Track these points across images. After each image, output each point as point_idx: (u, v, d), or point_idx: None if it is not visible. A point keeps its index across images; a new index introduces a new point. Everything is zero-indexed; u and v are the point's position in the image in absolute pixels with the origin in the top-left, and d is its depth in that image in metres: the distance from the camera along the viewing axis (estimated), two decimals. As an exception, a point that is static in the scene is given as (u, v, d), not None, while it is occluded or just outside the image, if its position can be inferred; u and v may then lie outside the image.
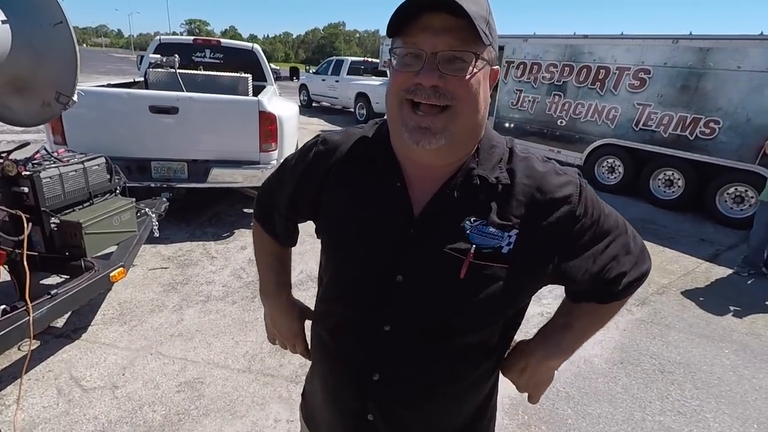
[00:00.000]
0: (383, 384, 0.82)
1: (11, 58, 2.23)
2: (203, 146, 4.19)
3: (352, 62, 13.85)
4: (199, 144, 4.18)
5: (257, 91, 5.52)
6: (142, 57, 6.46)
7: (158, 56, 5.50)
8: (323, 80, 14.28)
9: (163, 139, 4.09)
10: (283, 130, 4.45)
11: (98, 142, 3.69)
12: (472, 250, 0.73)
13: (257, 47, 6.35)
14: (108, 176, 3.06)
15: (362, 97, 12.63)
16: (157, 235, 3.53)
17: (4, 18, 2.20)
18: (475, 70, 0.70)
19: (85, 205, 2.86)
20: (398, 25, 0.70)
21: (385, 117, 0.83)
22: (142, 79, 5.60)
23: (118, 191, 3.17)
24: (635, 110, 6.89)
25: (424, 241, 0.76)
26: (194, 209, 4.89)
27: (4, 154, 2.53)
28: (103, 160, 3.01)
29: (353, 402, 0.86)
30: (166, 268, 3.63)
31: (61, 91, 2.44)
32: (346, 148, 0.86)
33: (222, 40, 6.52)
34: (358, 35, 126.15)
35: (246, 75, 5.65)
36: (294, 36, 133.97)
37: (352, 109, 13.23)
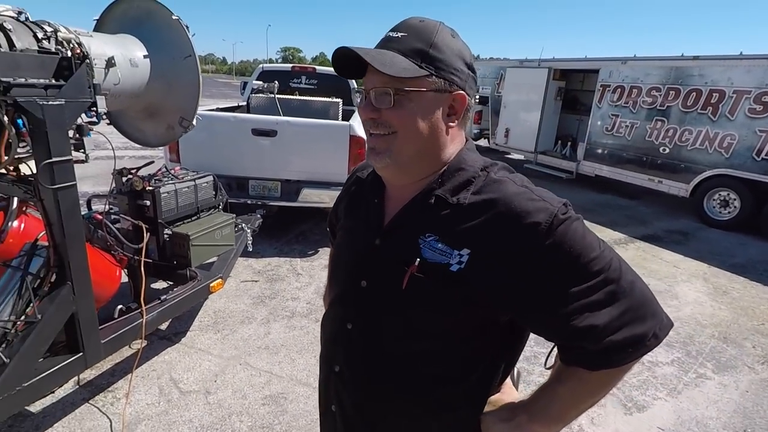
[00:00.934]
0: (340, 377, 0.91)
1: (148, 88, 2.54)
2: (296, 167, 4.43)
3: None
4: (293, 165, 4.42)
5: (346, 115, 5.75)
6: (245, 83, 7.06)
7: (260, 82, 5.96)
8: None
9: (262, 159, 4.38)
10: (371, 153, 4.56)
11: (206, 161, 4.05)
12: (416, 263, 0.77)
13: (349, 74, 6.65)
14: (213, 193, 3.33)
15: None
16: (250, 249, 3.75)
17: (146, 53, 2.52)
18: (407, 101, 0.76)
19: (192, 218, 3.13)
20: (352, 69, 0.81)
21: None
22: (244, 103, 6.10)
23: (220, 207, 3.43)
24: (757, 138, 6.12)
25: (383, 251, 0.83)
26: (283, 227, 5.15)
27: (133, 170, 2.86)
28: (211, 178, 3.28)
29: (324, 392, 0.98)
30: (256, 281, 3.84)
31: (184, 116, 2.72)
32: (362, 171, 0.99)
33: (317, 67, 6.92)
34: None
35: (337, 100, 5.92)
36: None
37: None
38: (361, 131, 4.43)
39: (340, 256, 0.99)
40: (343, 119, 5.29)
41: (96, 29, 2.68)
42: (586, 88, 9.84)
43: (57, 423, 2.18)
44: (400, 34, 0.78)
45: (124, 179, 2.85)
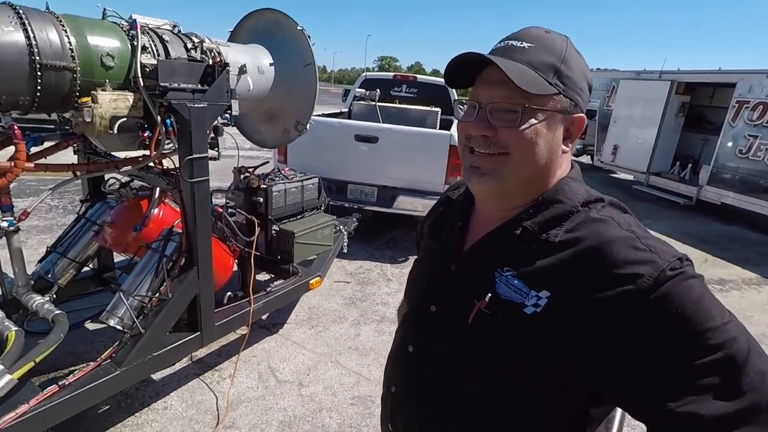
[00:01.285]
0: (396, 397, 0.89)
1: (271, 93, 2.74)
2: (394, 174, 4.50)
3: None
4: (391, 171, 4.49)
5: (445, 125, 5.72)
6: (346, 90, 7.35)
7: (363, 90, 6.18)
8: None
9: (361, 164, 4.52)
10: (469, 164, 4.49)
11: (310, 163, 4.27)
12: (487, 298, 0.70)
13: (449, 83, 6.63)
14: (317, 194, 3.50)
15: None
16: (345, 251, 3.88)
17: (271, 61, 2.72)
18: (533, 120, 0.69)
19: (297, 217, 3.31)
20: (462, 78, 0.75)
21: None
22: (346, 109, 6.35)
23: (322, 208, 3.59)
24: None
25: (458, 279, 0.77)
26: (375, 231, 5.26)
27: (251, 169, 3.10)
28: (316, 180, 3.45)
29: (384, 409, 0.96)
30: (348, 282, 3.95)
31: (300, 120, 2.89)
32: (454, 191, 0.97)
33: (418, 76, 6.99)
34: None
35: (435, 109, 5.92)
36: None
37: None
38: (461, 141, 4.38)
39: (416, 276, 0.94)
40: (441, 128, 5.27)
41: (230, 39, 2.96)
42: (716, 104, 8.75)
43: (173, 392, 2.42)
44: (526, 45, 0.70)
45: (242, 176, 3.11)
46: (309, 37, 2.76)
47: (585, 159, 12.45)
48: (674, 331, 0.58)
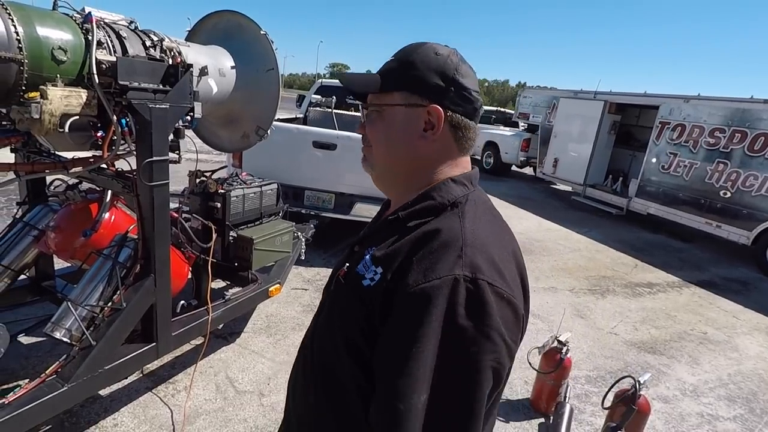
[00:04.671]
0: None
1: (231, 97, 2.68)
2: (351, 181, 4.52)
3: (485, 111, 14.02)
4: (348, 179, 4.51)
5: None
6: (301, 96, 7.29)
7: (319, 96, 6.16)
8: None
9: (318, 171, 4.51)
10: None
11: (265, 169, 4.18)
12: (345, 268, 0.79)
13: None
14: (276, 200, 3.45)
15: (491, 146, 12.61)
16: (303, 258, 3.83)
17: (233, 64, 2.67)
18: (383, 116, 0.81)
19: (255, 223, 3.24)
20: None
21: None
22: (302, 115, 6.30)
23: (281, 214, 3.54)
24: (832, 189, 5.76)
25: (351, 256, 0.84)
26: (331, 238, 5.24)
27: (207, 173, 3.01)
28: (275, 186, 3.40)
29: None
30: (306, 289, 3.91)
31: (261, 125, 2.85)
32: None
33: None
34: (486, 84, 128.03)
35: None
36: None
37: (479, 157, 13.26)
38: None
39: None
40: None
41: (188, 39, 2.87)
42: (642, 124, 9.59)
43: (123, 408, 2.27)
44: (391, 58, 0.83)
45: (198, 181, 3.00)
46: (272, 41, 2.74)
47: (528, 170, 13.16)
48: (395, 332, 0.65)
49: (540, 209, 8.78)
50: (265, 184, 3.29)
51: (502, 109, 15.18)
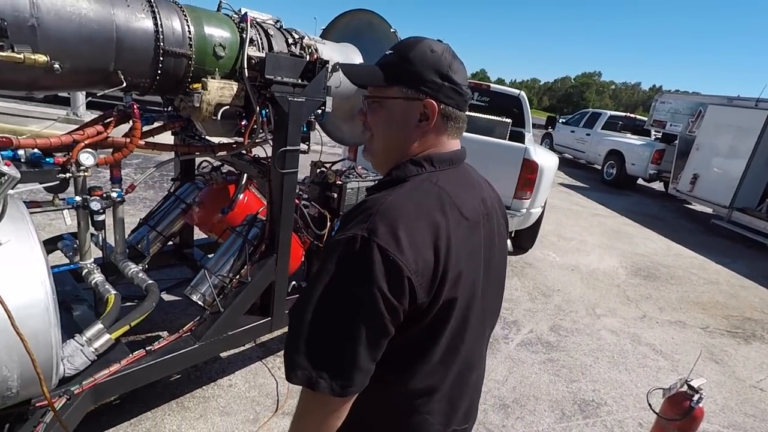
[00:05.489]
0: None
1: (357, 92, 2.78)
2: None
3: (611, 117, 12.77)
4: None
5: (513, 136, 5.56)
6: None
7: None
8: (572, 131, 13.60)
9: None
10: (542, 180, 4.35)
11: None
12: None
13: (523, 95, 6.44)
14: (387, 195, 3.52)
15: (614, 155, 11.47)
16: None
17: (362, 61, 2.77)
18: (383, 107, 0.90)
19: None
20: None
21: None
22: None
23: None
24: None
25: None
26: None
27: (328, 164, 3.17)
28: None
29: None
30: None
31: (382, 121, 2.92)
32: None
33: (491, 84, 6.86)
34: (613, 87, 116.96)
35: (506, 120, 5.77)
36: (542, 83, 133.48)
37: (599, 166, 12.16)
38: (537, 157, 4.24)
39: None
40: (511, 140, 5.12)
41: (322, 36, 3.04)
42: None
43: (238, 371, 2.52)
44: (389, 52, 0.92)
45: (318, 171, 3.18)
46: (400, 40, 2.78)
47: (657, 186, 11.75)
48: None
49: (670, 231, 7.77)
50: (371, 180, 3.37)
51: (632, 115, 13.65)
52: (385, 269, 0.74)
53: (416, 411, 0.90)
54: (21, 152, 1.73)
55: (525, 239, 5.24)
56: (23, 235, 1.35)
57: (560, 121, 14.85)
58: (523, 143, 4.67)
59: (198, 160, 2.85)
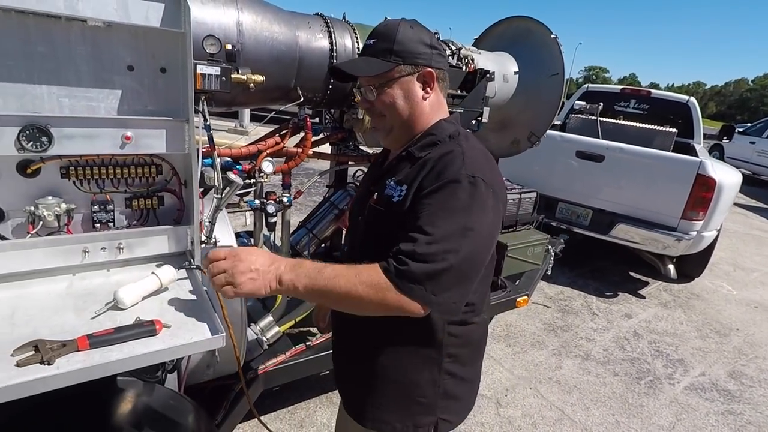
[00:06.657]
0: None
1: (510, 102, 2.68)
2: (613, 198, 4.00)
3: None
4: (610, 195, 4.00)
5: (679, 147, 4.83)
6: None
7: (583, 103, 5.67)
8: (751, 143, 11.41)
9: (576, 183, 4.15)
10: (719, 200, 3.69)
11: (517, 173, 4.03)
12: (375, 196, 1.05)
13: (693, 101, 5.57)
14: (532, 209, 3.32)
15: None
16: (549, 273, 3.60)
17: (517, 69, 2.66)
18: (387, 89, 1.02)
19: (510, 230, 3.19)
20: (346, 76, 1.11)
21: None
22: (560, 122, 5.92)
23: (534, 224, 3.40)
24: None
25: (371, 194, 1.09)
26: (578, 256, 4.78)
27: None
28: (534, 194, 3.27)
29: None
30: (548, 307, 3.67)
31: (534, 132, 2.77)
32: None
33: (653, 90, 6.10)
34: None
35: (671, 129, 5.04)
36: (707, 87, 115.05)
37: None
38: (715, 173, 3.62)
39: (354, 203, 1.29)
40: (676, 152, 4.44)
41: (475, 45, 3.01)
42: None
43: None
44: (372, 41, 1.02)
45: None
46: (561, 45, 2.61)
47: None
48: (432, 207, 0.92)
49: None
50: (525, 192, 3.20)
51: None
52: (492, 199, 0.93)
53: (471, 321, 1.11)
54: (218, 160, 2.01)
55: (693, 266, 4.50)
56: (226, 235, 1.57)
57: (738, 130, 12.52)
58: (695, 156, 4.03)
59: (351, 169, 3.03)
